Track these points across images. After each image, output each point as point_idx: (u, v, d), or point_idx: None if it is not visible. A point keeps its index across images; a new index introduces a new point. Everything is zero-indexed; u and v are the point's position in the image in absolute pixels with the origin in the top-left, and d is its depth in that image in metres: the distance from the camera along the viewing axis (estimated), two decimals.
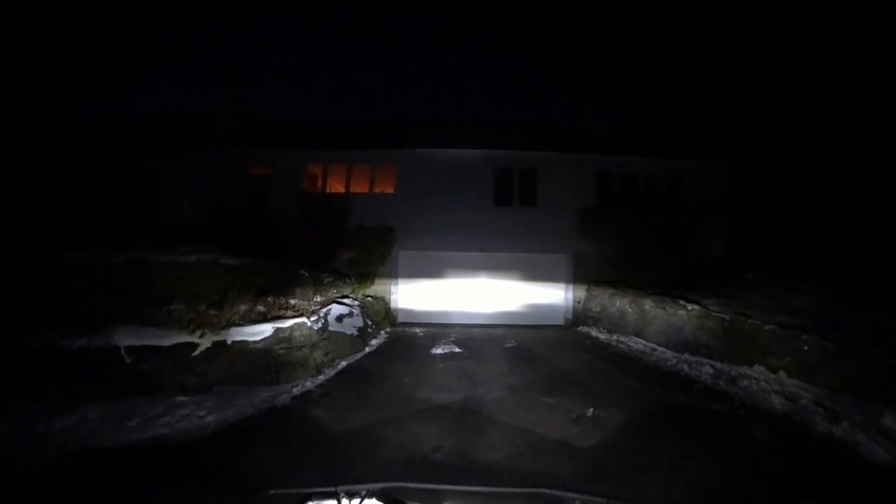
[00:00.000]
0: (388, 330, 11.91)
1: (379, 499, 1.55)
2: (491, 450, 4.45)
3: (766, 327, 6.85)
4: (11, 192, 11.70)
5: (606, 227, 13.02)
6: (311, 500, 1.55)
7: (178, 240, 8.86)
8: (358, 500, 1.52)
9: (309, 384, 6.66)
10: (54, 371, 5.43)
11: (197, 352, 6.31)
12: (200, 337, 6.43)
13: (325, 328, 8.19)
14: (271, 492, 1.65)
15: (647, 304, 10.02)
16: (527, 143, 14.90)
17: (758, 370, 6.65)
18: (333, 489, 1.57)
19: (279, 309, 8.21)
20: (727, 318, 7.71)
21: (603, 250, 13.22)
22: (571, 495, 1.58)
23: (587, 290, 13.32)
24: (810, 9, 16.40)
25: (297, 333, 7.33)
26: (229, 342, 6.62)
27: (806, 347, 6.10)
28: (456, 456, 4.29)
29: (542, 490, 1.81)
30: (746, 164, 15.70)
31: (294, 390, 6.32)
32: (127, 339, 5.98)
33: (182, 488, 3.54)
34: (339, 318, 8.99)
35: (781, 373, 6.29)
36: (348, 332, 9.01)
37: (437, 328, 12.34)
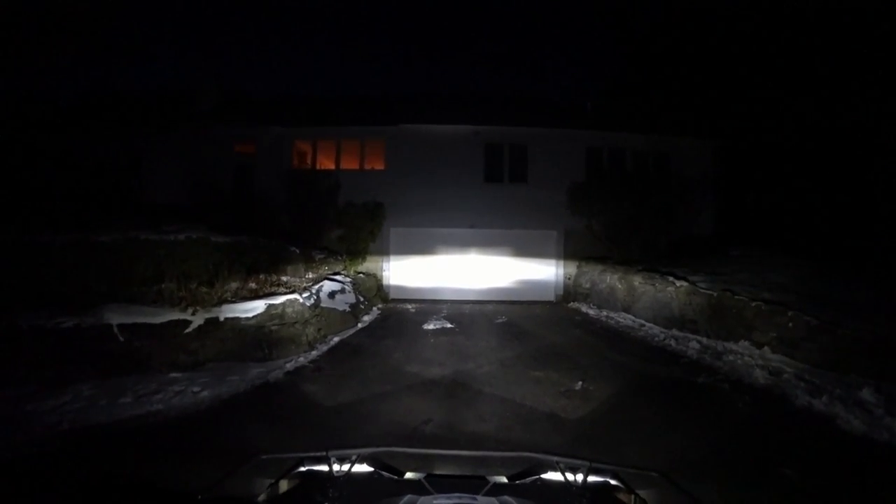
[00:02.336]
0: (380, 306, 11.99)
1: (369, 463, 1.59)
2: (481, 422, 4.54)
3: (752, 303, 6.98)
4: None
5: (596, 202, 13.08)
6: (303, 465, 1.59)
7: (161, 219, 8.74)
8: (348, 465, 1.56)
9: (302, 360, 6.72)
10: (45, 351, 5.40)
11: (189, 329, 6.31)
12: (192, 314, 6.43)
13: (317, 305, 8.22)
14: (264, 456, 1.69)
15: (637, 281, 10.14)
16: (517, 119, 14.80)
17: (743, 345, 6.80)
18: (324, 453, 1.60)
19: (271, 286, 8.20)
20: (714, 294, 7.83)
21: (592, 226, 13.31)
22: (555, 458, 1.63)
23: (578, 267, 13.43)
24: None
25: (289, 310, 7.36)
26: (221, 319, 6.63)
27: (790, 323, 6.24)
28: (446, 428, 4.38)
29: (526, 454, 1.86)
30: (734, 143, 15.73)
31: (287, 366, 6.38)
32: (118, 317, 5.95)
33: (177, 462, 3.59)
34: (331, 295, 9.01)
35: (766, 348, 6.44)
36: (340, 309, 9.06)
37: (429, 304, 12.44)
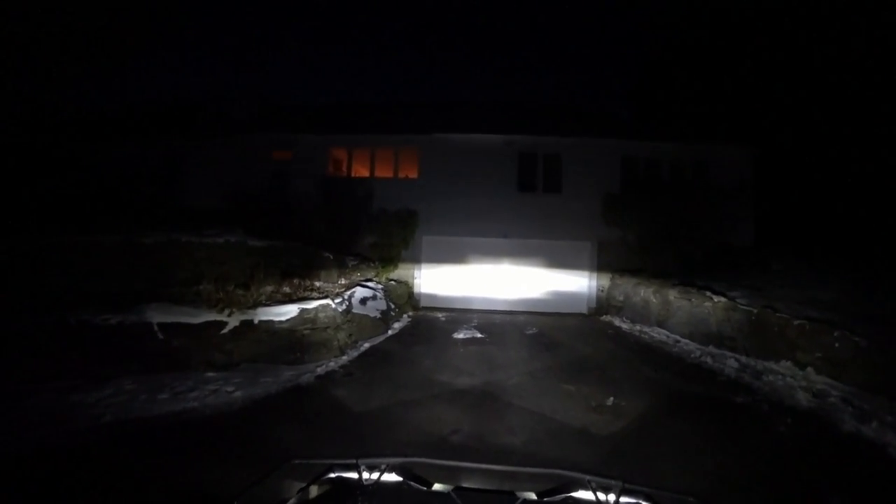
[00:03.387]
0: (410, 314, 12.04)
1: (398, 473, 1.59)
2: (509, 434, 4.49)
3: (795, 322, 6.69)
4: (38, 179, 12.02)
5: (630, 213, 12.85)
6: (333, 471, 1.60)
7: (200, 223, 9.03)
8: (378, 473, 1.56)
9: (332, 364, 6.80)
10: (90, 346, 5.66)
11: (225, 330, 6.49)
12: (229, 316, 6.61)
13: (349, 310, 8.32)
14: (295, 461, 1.71)
15: (672, 295, 9.87)
16: (550, 128, 14.69)
17: (785, 365, 6.52)
18: (355, 461, 1.61)
19: (304, 290, 8.36)
20: (754, 311, 7.55)
21: (627, 237, 13.06)
22: (588, 477, 1.59)
23: (611, 279, 13.18)
24: None
25: (321, 315, 7.47)
26: (256, 322, 6.79)
27: (837, 343, 5.95)
28: (475, 439, 4.35)
29: (558, 471, 1.82)
30: (773, 150, 15.19)
31: (318, 370, 6.47)
32: (158, 316, 6.18)
33: (210, 458, 3.68)
34: (363, 301, 9.11)
35: (810, 369, 6.15)
36: (372, 315, 9.13)
37: (460, 313, 12.41)
